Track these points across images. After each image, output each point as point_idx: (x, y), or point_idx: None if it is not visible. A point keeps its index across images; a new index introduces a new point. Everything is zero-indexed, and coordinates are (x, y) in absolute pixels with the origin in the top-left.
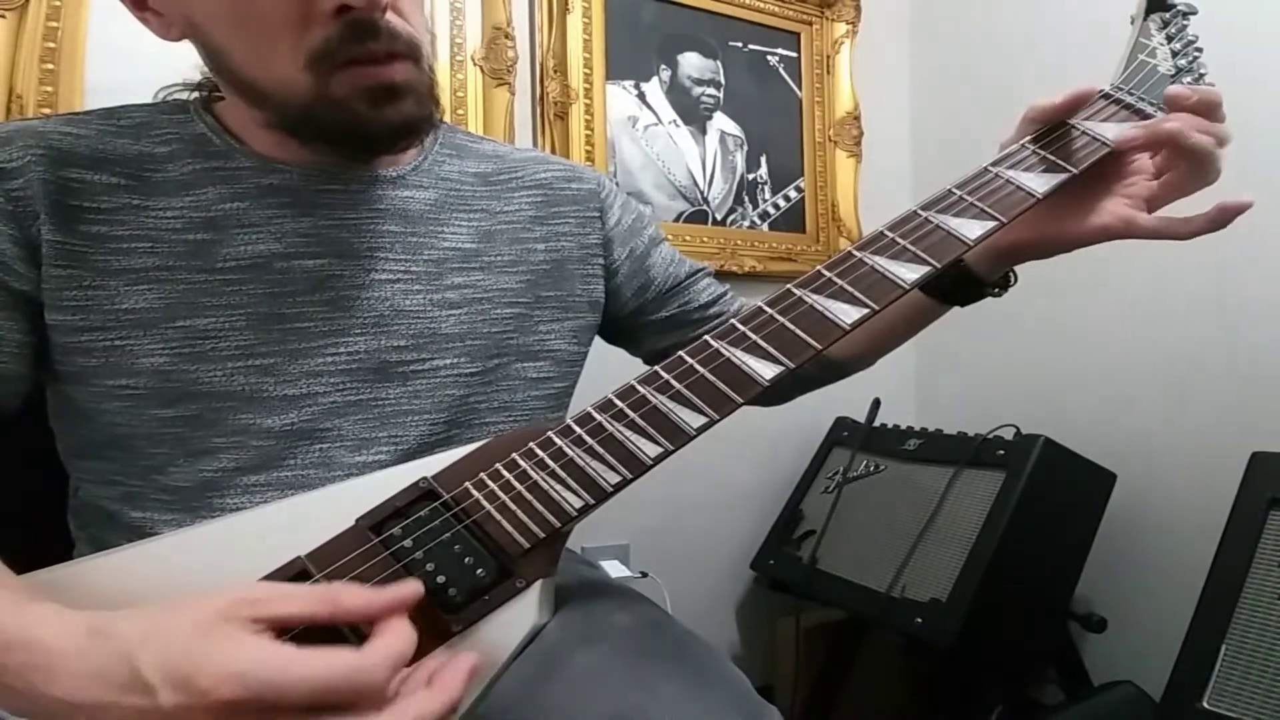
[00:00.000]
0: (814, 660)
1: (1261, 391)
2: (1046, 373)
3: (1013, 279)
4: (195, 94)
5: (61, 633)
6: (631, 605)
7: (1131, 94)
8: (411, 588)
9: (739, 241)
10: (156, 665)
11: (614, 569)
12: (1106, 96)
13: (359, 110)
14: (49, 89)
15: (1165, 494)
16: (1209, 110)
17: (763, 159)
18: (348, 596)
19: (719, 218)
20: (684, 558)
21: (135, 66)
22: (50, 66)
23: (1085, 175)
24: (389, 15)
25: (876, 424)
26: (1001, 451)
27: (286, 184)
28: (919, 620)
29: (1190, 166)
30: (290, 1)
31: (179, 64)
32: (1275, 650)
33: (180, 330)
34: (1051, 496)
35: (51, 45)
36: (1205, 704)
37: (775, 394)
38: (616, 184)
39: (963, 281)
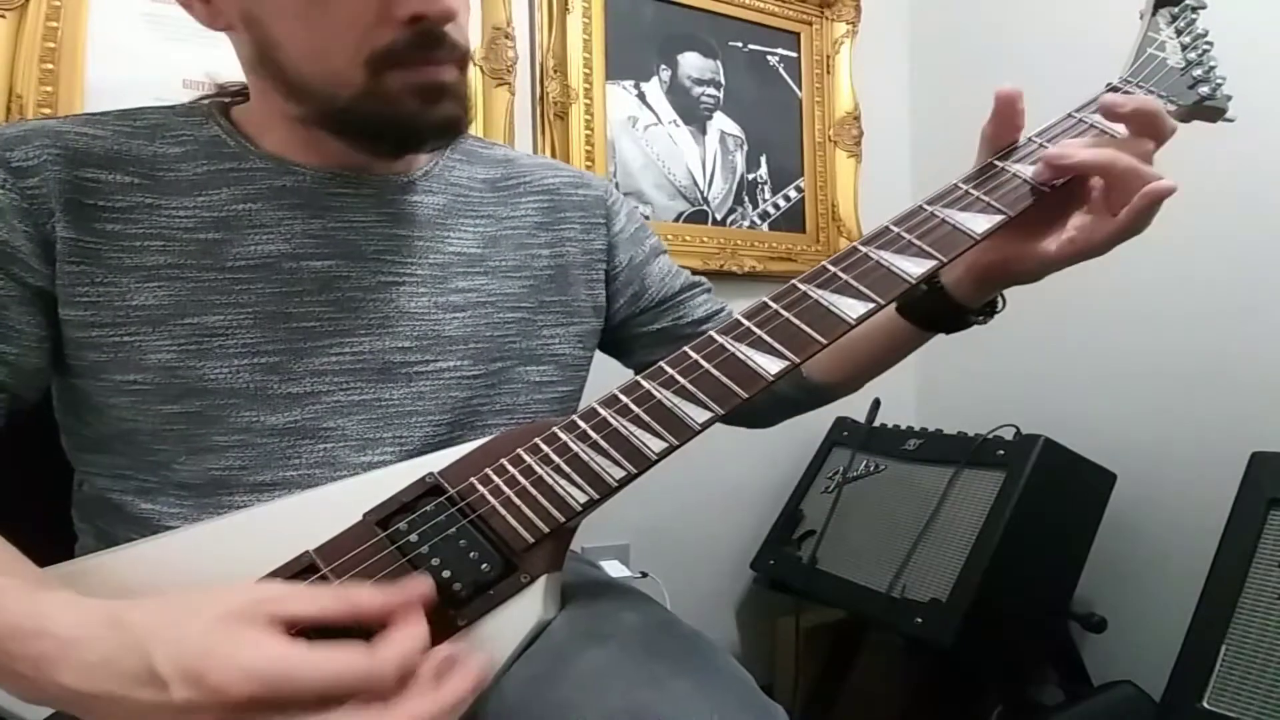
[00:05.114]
0: (814, 660)
1: (1261, 391)
2: (1046, 373)
3: (1000, 305)
4: (210, 100)
5: (74, 621)
6: (638, 604)
7: (1139, 86)
8: (423, 584)
9: (739, 241)
10: (170, 659)
11: (614, 569)
12: (1114, 89)
13: (408, 106)
14: (49, 89)
15: (1165, 494)
16: (1146, 120)
17: (763, 159)
18: (364, 597)
19: (719, 218)
20: (684, 558)
21: (135, 66)
22: (50, 66)
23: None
24: (449, 26)
25: (876, 424)
26: (1001, 451)
27: (298, 186)
28: (919, 620)
29: (1117, 196)
30: (368, 5)
31: (178, 64)
32: (1275, 650)
33: (188, 327)
34: (1051, 496)
35: (51, 45)
36: (1205, 704)
37: (761, 416)
38: (620, 193)
39: (945, 308)
